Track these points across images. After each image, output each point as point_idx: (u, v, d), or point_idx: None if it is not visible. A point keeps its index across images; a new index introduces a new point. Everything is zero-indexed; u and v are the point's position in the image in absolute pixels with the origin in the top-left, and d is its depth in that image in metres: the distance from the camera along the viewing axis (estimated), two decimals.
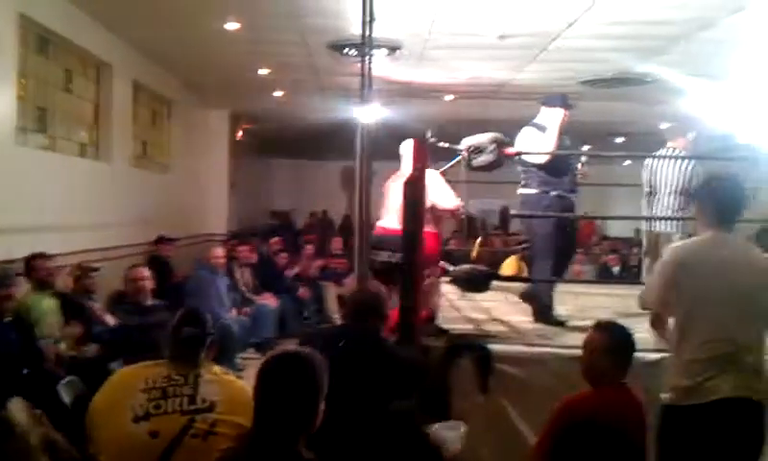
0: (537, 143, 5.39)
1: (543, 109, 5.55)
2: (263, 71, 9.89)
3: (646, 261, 6.52)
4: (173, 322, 3.04)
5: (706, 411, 3.18)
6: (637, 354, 4.02)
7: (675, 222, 6.12)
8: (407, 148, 4.99)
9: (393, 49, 8.17)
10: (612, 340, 3.22)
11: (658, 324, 3.50)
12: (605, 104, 11.25)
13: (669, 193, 6.16)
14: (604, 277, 11.53)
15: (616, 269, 12.04)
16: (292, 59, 9.04)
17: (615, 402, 3.08)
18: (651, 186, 6.27)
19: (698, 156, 6.56)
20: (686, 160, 6.21)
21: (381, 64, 8.60)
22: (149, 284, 5.99)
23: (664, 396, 3.32)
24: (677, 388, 3.27)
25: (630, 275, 11.56)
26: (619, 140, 15.83)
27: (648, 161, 6.39)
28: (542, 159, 5.35)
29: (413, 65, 9.10)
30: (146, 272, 6.07)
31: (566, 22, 7.07)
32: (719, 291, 3.26)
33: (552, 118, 5.43)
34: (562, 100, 5.52)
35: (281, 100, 11.93)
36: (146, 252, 9.16)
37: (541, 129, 5.47)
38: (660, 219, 6.13)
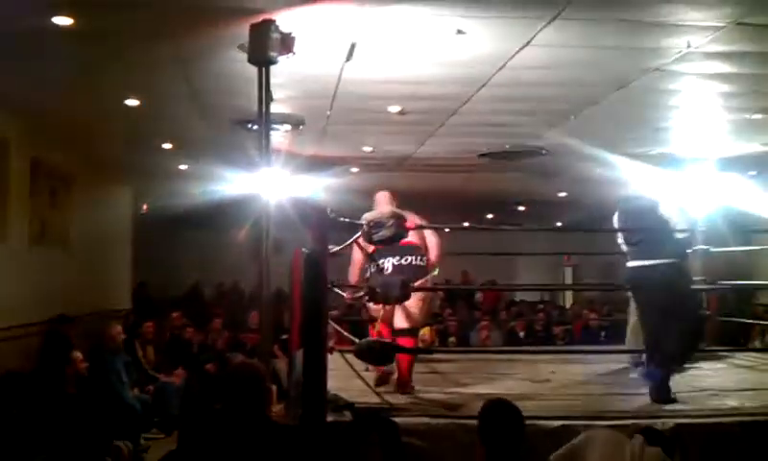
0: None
1: None
2: (167, 145, 9.84)
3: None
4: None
5: None
6: (540, 423, 4.15)
7: None
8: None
9: (296, 124, 8.30)
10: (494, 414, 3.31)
11: None
12: (506, 174, 11.67)
13: None
14: (511, 342, 11.80)
15: (522, 334, 12.33)
16: (195, 133, 9.03)
17: None
18: None
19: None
20: None
21: (285, 138, 8.70)
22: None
23: None
24: None
25: (536, 339, 11.93)
26: (521, 209, 16.36)
27: None
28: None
29: (317, 139, 9.24)
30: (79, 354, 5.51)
31: (462, 100, 7.36)
32: None
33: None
34: None
35: (186, 173, 11.85)
36: (43, 331, 8.83)
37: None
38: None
